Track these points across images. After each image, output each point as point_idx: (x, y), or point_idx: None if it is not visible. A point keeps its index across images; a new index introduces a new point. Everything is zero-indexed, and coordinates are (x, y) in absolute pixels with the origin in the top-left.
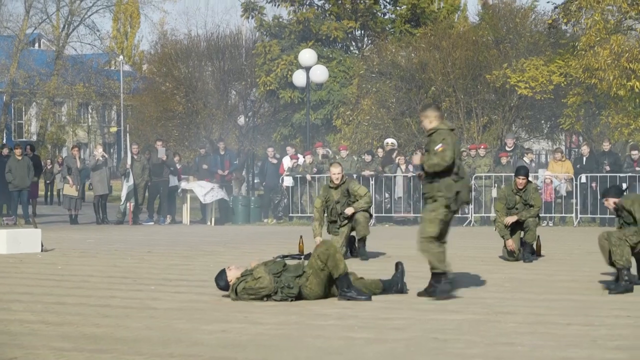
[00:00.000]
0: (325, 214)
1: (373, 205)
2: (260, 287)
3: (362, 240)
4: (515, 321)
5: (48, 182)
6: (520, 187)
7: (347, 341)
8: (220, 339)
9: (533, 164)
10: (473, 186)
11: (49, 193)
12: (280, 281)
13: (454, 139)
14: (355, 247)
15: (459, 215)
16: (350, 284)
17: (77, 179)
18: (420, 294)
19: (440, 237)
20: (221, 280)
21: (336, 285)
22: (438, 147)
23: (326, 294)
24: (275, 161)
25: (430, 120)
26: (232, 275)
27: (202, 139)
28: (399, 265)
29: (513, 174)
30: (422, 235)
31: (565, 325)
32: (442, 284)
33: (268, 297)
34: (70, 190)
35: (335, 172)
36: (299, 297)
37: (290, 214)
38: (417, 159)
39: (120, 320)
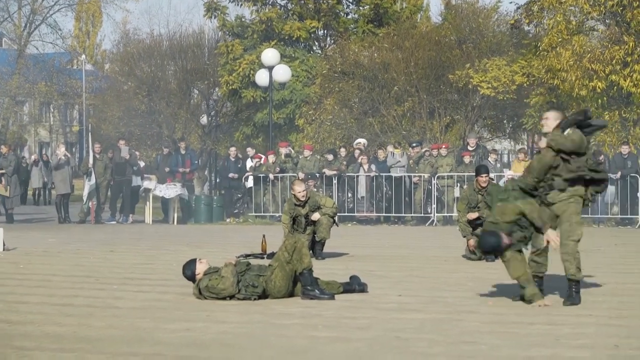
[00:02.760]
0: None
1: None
2: (222, 288)
3: (321, 243)
4: (478, 320)
5: None
6: (483, 185)
7: (310, 340)
8: (184, 338)
9: (498, 164)
10: (435, 186)
11: None
12: (245, 280)
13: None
14: (314, 249)
15: (421, 214)
16: (314, 282)
17: (9, 179)
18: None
19: None
20: (188, 269)
21: (300, 281)
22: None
23: (290, 291)
24: (233, 159)
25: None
26: (200, 269)
27: (165, 138)
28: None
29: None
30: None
31: (527, 325)
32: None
33: (231, 297)
34: (2, 190)
35: (299, 190)
36: (263, 295)
37: (253, 213)
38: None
39: (83, 319)
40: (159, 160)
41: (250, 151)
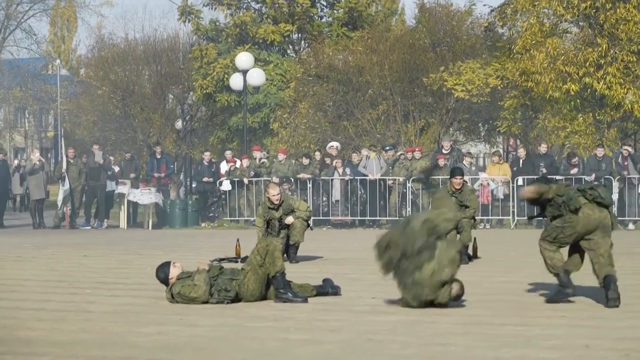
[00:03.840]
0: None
1: (311, 207)
2: (194, 297)
3: (295, 246)
4: (450, 322)
5: None
6: (457, 187)
7: (282, 343)
8: (156, 342)
9: (473, 167)
10: (410, 189)
11: None
12: (218, 284)
13: None
14: (288, 253)
15: (396, 218)
16: (286, 285)
17: None
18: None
19: None
20: (162, 272)
21: (273, 285)
22: None
23: (263, 295)
24: (207, 163)
25: None
26: (174, 273)
27: (139, 143)
28: (325, 280)
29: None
30: None
31: (499, 326)
32: None
33: (204, 302)
34: None
35: (274, 193)
36: (236, 299)
37: (228, 218)
38: None
39: (56, 323)
40: (122, 166)
41: (229, 154)
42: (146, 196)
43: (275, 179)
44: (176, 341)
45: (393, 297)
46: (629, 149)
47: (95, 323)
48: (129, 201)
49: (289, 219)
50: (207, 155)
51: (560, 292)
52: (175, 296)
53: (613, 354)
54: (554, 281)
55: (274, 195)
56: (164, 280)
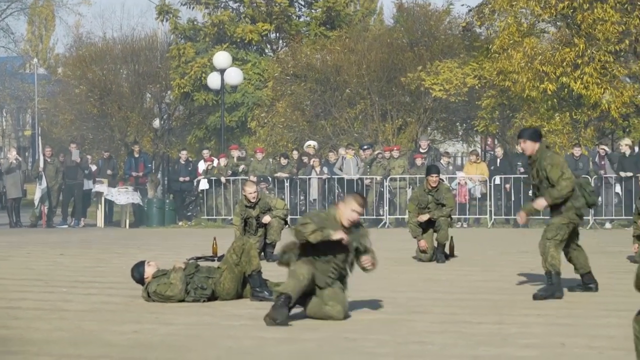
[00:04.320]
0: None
1: (288, 206)
2: (170, 295)
3: (272, 245)
4: (427, 320)
5: None
6: (433, 185)
7: (258, 341)
8: (131, 340)
9: (450, 167)
10: (388, 188)
11: None
12: (194, 282)
13: None
14: (265, 251)
15: (374, 217)
16: (263, 284)
17: None
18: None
19: None
20: (137, 272)
21: (249, 283)
22: None
23: (239, 293)
24: (183, 162)
25: None
26: (149, 272)
27: (117, 142)
28: None
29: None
30: None
31: (476, 324)
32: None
33: (180, 300)
34: None
35: (250, 191)
36: (212, 297)
37: (205, 216)
38: None
39: (31, 322)
40: (100, 164)
41: (206, 153)
42: (123, 196)
43: (253, 178)
44: (151, 339)
45: (370, 296)
46: (606, 148)
47: (70, 321)
48: (106, 200)
49: (266, 218)
50: (183, 154)
51: (550, 291)
52: (151, 295)
53: (589, 352)
54: (530, 280)
55: (250, 193)
56: (140, 280)
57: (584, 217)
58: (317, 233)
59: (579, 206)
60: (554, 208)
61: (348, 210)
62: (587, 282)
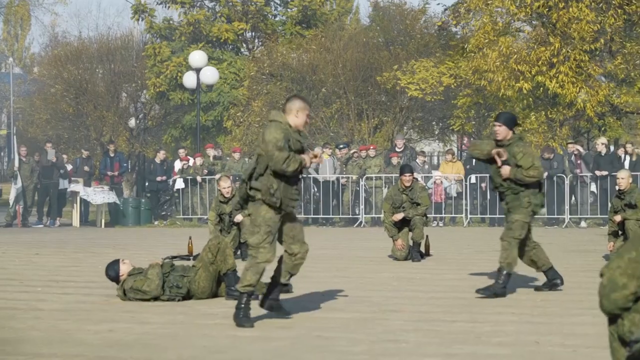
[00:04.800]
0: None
1: None
2: (147, 290)
3: (246, 244)
4: (401, 319)
5: None
6: (407, 184)
7: (232, 340)
8: (106, 339)
9: (426, 166)
10: (364, 187)
11: None
12: (169, 281)
13: None
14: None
15: (350, 216)
16: (238, 282)
17: None
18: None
19: None
20: (112, 270)
21: (224, 282)
22: None
23: (214, 292)
24: (159, 162)
25: None
26: (124, 270)
27: (92, 141)
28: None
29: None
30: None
31: (450, 323)
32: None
33: (156, 298)
34: None
35: (225, 186)
36: (187, 296)
37: (181, 216)
38: None
39: (4, 321)
40: (77, 163)
41: (182, 153)
42: (99, 195)
43: (229, 176)
44: (126, 338)
45: (344, 295)
46: (579, 148)
47: (45, 321)
48: (81, 199)
49: (238, 217)
50: (161, 154)
51: (494, 290)
52: (127, 292)
53: (562, 350)
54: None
55: (224, 188)
56: (115, 279)
57: (561, 216)
58: (296, 163)
59: (538, 203)
60: (513, 204)
61: (302, 116)
62: (552, 278)
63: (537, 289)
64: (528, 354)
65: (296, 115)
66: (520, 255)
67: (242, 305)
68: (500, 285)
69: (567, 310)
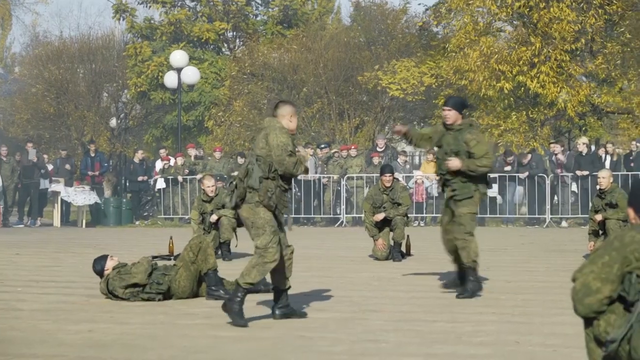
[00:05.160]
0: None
1: None
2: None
3: (226, 243)
4: (382, 319)
5: None
6: (387, 184)
7: (213, 340)
8: (86, 339)
9: (407, 165)
10: (345, 187)
11: None
12: (150, 278)
13: None
14: (221, 250)
15: (331, 216)
16: (219, 282)
17: None
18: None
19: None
20: (99, 264)
21: (205, 282)
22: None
23: (195, 292)
24: (138, 162)
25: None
26: (110, 265)
27: (73, 141)
28: None
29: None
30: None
31: (430, 322)
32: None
33: (134, 295)
34: None
35: (209, 184)
36: (167, 295)
37: (162, 216)
38: None
39: None
40: (59, 163)
41: (163, 152)
42: (80, 196)
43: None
44: (106, 338)
45: (325, 294)
46: (559, 147)
47: (25, 321)
48: (62, 199)
49: (213, 217)
50: (139, 154)
51: (475, 289)
52: (111, 279)
53: (542, 350)
54: (485, 278)
55: (208, 187)
56: (100, 273)
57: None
58: (302, 167)
59: (484, 192)
60: (461, 191)
61: (295, 120)
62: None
63: (446, 285)
64: (508, 354)
65: (290, 120)
66: (449, 242)
67: (238, 299)
68: (474, 282)
69: (547, 310)
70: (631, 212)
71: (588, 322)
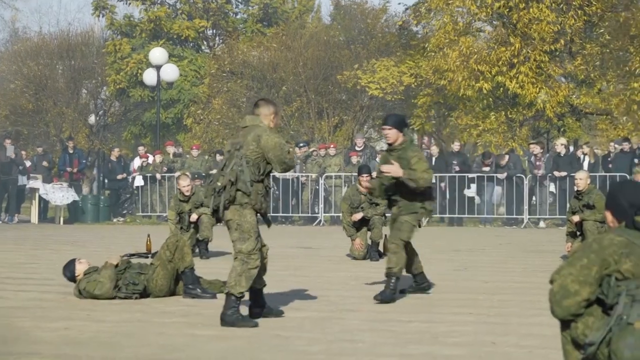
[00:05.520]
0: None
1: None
2: (98, 294)
3: (205, 242)
4: (358, 318)
5: None
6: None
7: (190, 338)
8: (63, 337)
9: None
10: (323, 186)
11: None
12: (125, 278)
13: None
14: (198, 248)
15: (309, 214)
16: (195, 281)
17: None
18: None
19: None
20: (67, 271)
21: (182, 280)
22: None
23: (172, 290)
24: (115, 159)
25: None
26: (80, 270)
27: (52, 138)
28: None
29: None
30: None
31: (406, 323)
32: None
33: (111, 297)
34: None
35: (184, 184)
36: (144, 294)
37: (140, 213)
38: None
39: None
40: (36, 160)
41: (141, 150)
42: (58, 194)
43: (188, 173)
44: (82, 336)
45: (302, 294)
46: (538, 148)
47: (1, 318)
48: (40, 196)
49: (193, 216)
50: (115, 151)
51: (391, 295)
52: (82, 292)
53: (518, 351)
54: (462, 279)
55: (184, 187)
56: (71, 279)
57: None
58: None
59: (431, 210)
60: (406, 205)
61: (277, 119)
62: (420, 282)
63: (402, 291)
64: (484, 355)
65: (272, 120)
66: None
67: (235, 308)
68: (392, 291)
69: (524, 310)
70: (609, 215)
71: (565, 324)
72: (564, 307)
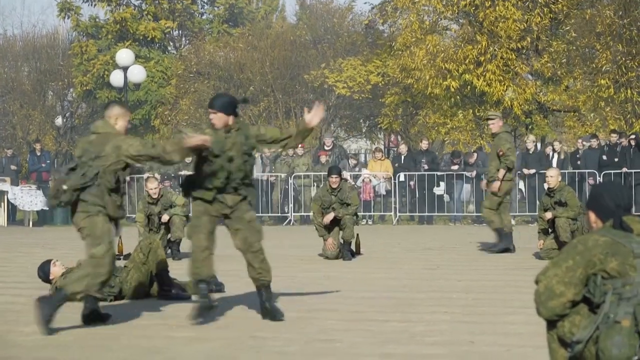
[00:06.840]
0: (149, 225)
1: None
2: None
3: (176, 242)
4: (334, 318)
5: None
6: (334, 186)
7: (168, 340)
8: (39, 340)
9: (357, 168)
10: (292, 186)
11: None
12: None
13: None
14: (170, 249)
15: (279, 214)
16: (171, 282)
17: None
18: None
19: None
20: (42, 272)
21: (157, 282)
22: None
23: (146, 292)
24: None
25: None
26: (55, 272)
27: (19, 140)
28: None
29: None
30: None
31: (383, 322)
32: None
33: None
34: None
35: (152, 187)
36: (119, 296)
37: None
38: None
39: None
40: (4, 163)
41: None
42: (27, 198)
43: (157, 175)
44: (60, 339)
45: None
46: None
47: None
48: (8, 199)
49: (165, 217)
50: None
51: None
52: None
53: (496, 349)
54: (435, 277)
55: (152, 189)
56: (46, 280)
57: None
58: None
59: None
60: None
61: (121, 123)
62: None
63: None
64: (463, 354)
65: (115, 122)
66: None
67: (59, 305)
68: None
69: (499, 309)
70: (592, 216)
71: (551, 323)
72: (549, 307)
